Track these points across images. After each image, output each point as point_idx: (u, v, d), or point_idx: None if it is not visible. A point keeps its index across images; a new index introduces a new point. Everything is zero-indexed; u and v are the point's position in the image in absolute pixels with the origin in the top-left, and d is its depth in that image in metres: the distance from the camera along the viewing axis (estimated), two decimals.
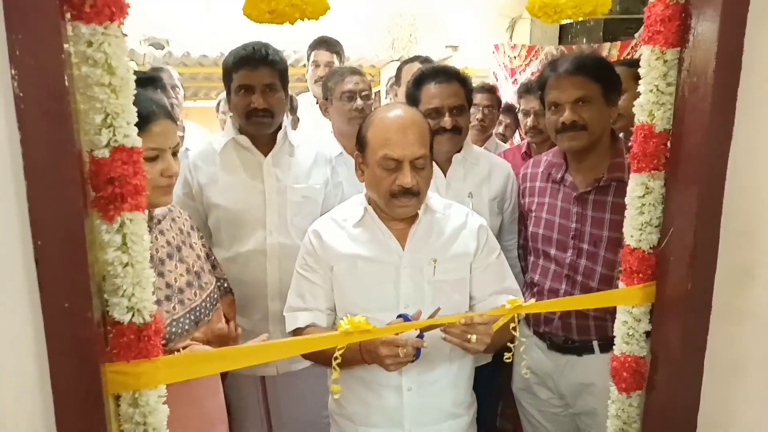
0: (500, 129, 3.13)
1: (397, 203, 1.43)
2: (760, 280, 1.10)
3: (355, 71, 2.37)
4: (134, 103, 1.12)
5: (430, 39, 6.27)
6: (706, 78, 1.12)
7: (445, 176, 1.98)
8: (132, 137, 0.86)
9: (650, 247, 1.26)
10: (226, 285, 1.70)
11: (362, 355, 1.39)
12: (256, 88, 1.81)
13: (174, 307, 1.36)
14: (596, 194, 1.72)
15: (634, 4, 3.17)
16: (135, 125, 0.97)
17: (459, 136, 1.93)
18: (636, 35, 3.14)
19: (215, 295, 1.52)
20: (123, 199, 0.86)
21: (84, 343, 0.87)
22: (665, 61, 1.19)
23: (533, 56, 3.42)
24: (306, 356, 1.58)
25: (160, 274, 1.34)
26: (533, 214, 1.85)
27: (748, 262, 1.12)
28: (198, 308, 1.42)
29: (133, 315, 0.92)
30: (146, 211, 1.29)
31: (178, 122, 1.43)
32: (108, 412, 0.90)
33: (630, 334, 1.30)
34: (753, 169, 1.09)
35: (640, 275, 1.26)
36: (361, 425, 1.54)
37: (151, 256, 1.27)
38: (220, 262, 1.79)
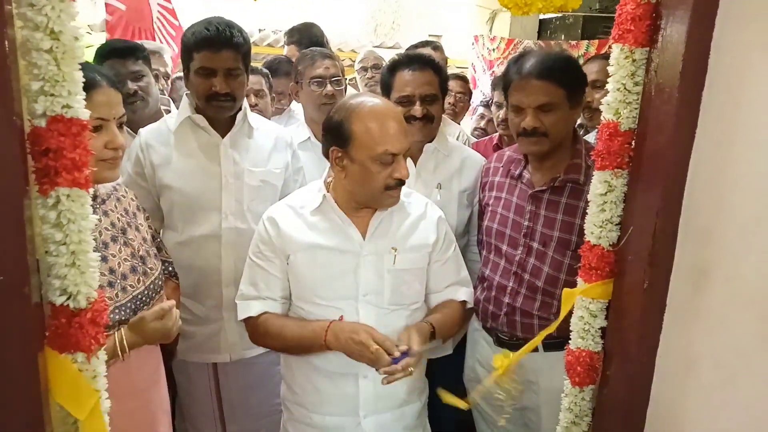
0: (482, 123, 3.10)
1: (391, 194, 1.43)
2: (715, 280, 1.11)
3: (327, 55, 2.28)
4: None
5: (412, 27, 6.24)
6: (673, 79, 1.11)
7: (416, 166, 1.94)
8: (75, 109, 0.82)
9: (610, 245, 1.26)
10: (171, 269, 1.65)
11: (326, 338, 1.39)
12: (218, 71, 1.73)
13: (117, 294, 1.30)
14: (551, 194, 1.70)
15: (614, 3, 3.18)
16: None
17: (430, 125, 1.89)
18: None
19: (159, 282, 1.46)
20: (57, 172, 0.81)
21: (20, 319, 0.82)
22: (634, 61, 1.18)
23: (512, 50, 3.41)
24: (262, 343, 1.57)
25: (104, 259, 1.28)
26: (489, 209, 1.83)
27: (704, 263, 1.12)
28: (140, 295, 1.37)
29: (67, 298, 0.87)
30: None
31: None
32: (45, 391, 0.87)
33: (586, 329, 1.30)
34: (713, 172, 1.09)
35: (599, 272, 1.27)
36: (315, 413, 1.52)
37: (95, 239, 1.23)
38: (171, 246, 1.74)
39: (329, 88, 2.21)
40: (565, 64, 1.65)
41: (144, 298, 1.38)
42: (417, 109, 1.85)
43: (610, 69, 1.23)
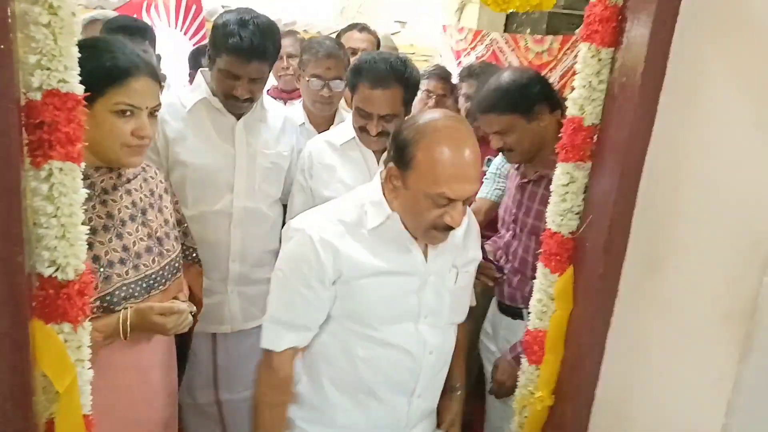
0: None
1: (436, 235, 1.29)
2: (665, 268, 1.20)
3: (332, 54, 2.17)
4: (116, 54, 1.14)
5: (379, 11, 6.23)
6: (635, 78, 1.20)
7: (378, 162, 1.92)
8: (71, 83, 0.83)
9: (569, 233, 1.35)
10: (195, 255, 1.64)
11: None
12: (242, 77, 1.74)
13: (127, 272, 1.30)
14: (532, 185, 1.86)
15: (578, 1, 3.29)
16: (114, 77, 0.95)
17: (385, 138, 1.79)
18: (577, 31, 3.27)
19: (177, 264, 1.44)
20: (51, 146, 0.83)
21: (13, 288, 0.84)
22: (599, 60, 1.26)
23: (479, 41, 3.48)
24: None
25: (118, 236, 1.29)
26: (504, 196, 2.06)
27: (656, 251, 1.22)
28: (153, 275, 1.36)
29: (56, 269, 0.89)
30: (118, 169, 1.30)
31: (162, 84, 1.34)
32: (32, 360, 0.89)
33: (543, 311, 1.39)
34: (667, 167, 1.19)
35: (558, 258, 1.35)
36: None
37: (112, 215, 1.27)
38: None
39: (325, 91, 2.16)
40: (504, 94, 1.75)
41: (158, 278, 1.37)
42: (372, 128, 1.78)
43: (577, 67, 1.31)
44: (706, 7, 1.15)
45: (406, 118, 1.34)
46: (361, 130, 1.78)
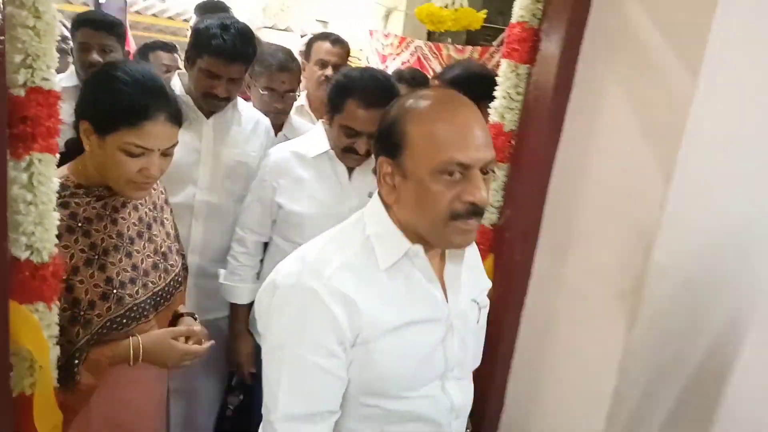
0: None
1: (461, 227, 0.95)
2: (572, 255, 1.41)
3: (285, 67, 2.15)
4: (134, 93, 1.12)
5: (303, 10, 6.30)
6: (547, 92, 1.40)
7: (350, 174, 1.79)
8: (51, 81, 0.90)
9: (491, 225, 1.53)
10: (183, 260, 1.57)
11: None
12: (223, 77, 1.78)
13: (137, 291, 1.25)
14: None
15: (495, 16, 3.54)
16: (129, 118, 1.03)
17: (367, 156, 1.72)
18: (494, 43, 3.53)
19: (179, 278, 1.41)
20: (34, 138, 0.90)
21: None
22: (518, 75, 1.45)
23: (404, 47, 3.66)
24: None
25: (128, 255, 1.24)
26: None
27: (563, 240, 1.43)
28: (160, 291, 1.32)
29: (31, 253, 0.95)
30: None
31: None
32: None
33: None
34: (572, 168, 1.40)
35: (482, 247, 1.53)
36: None
37: (122, 234, 1.23)
38: None
39: (279, 103, 2.17)
40: (476, 77, 1.89)
41: (165, 295, 1.34)
42: (362, 147, 1.66)
43: (498, 80, 1.49)
44: (604, 34, 1.37)
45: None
46: (346, 150, 1.68)
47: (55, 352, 1.03)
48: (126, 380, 1.22)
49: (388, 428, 1.03)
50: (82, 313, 1.15)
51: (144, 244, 1.29)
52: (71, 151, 1.22)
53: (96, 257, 1.18)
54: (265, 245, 1.87)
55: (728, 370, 1.53)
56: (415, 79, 2.62)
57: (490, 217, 1.54)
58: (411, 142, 0.95)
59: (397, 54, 3.70)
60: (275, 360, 0.98)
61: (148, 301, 1.27)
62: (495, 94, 1.51)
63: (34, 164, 0.91)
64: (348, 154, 1.68)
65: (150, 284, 1.28)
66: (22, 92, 0.87)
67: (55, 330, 1.02)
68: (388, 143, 0.98)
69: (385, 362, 0.99)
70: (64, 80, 2.13)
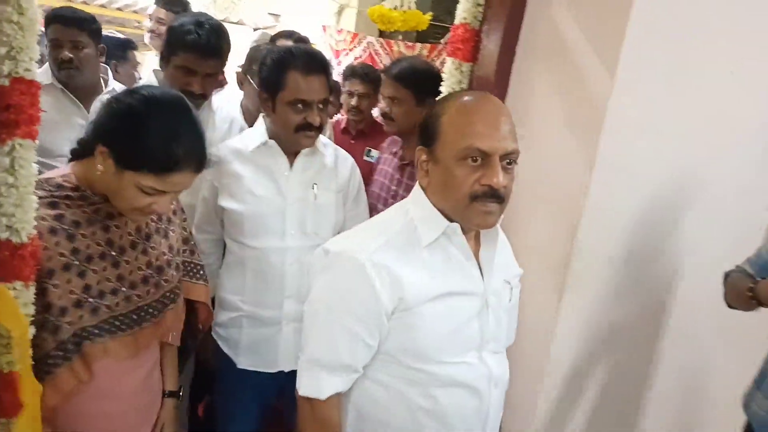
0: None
1: (481, 208, 1.07)
2: (513, 235, 1.55)
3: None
4: (172, 146, 1.11)
5: (254, 3, 6.30)
6: (487, 88, 1.55)
7: (291, 166, 1.73)
8: (33, 72, 0.96)
9: None
10: (201, 272, 1.52)
11: None
12: (199, 73, 1.81)
13: (117, 303, 1.21)
14: (411, 167, 2.11)
15: (443, 15, 3.70)
16: (158, 167, 1.07)
17: (320, 132, 1.71)
18: (442, 41, 3.69)
19: (174, 294, 1.35)
20: (17, 125, 0.96)
21: None
22: (461, 72, 1.59)
23: (357, 43, 3.77)
24: None
25: (115, 264, 1.20)
26: (373, 177, 2.24)
27: (506, 222, 1.57)
28: (146, 307, 1.27)
29: (11, 234, 1.02)
30: None
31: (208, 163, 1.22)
32: None
33: None
34: None
35: None
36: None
37: (112, 243, 1.20)
38: None
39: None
40: (419, 73, 2.00)
41: (152, 310, 1.29)
42: (316, 118, 1.62)
43: (444, 76, 1.63)
44: (536, 36, 1.53)
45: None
46: (300, 128, 1.62)
47: (31, 330, 1.09)
48: (116, 393, 1.23)
49: (433, 392, 1.12)
50: (52, 318, 1.12)
51: (137, 255, 1.25)
52: (84, 150, 1.20)
53: (76, 262, 1.15)
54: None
55: (654, 333, 1.74)
56: (367, 75, 2.74)
57: None
58: (442, 131, 1.09)
59: (350, 49, 3.81)
60: (313, 312, 1.15)
61: (130, 315, 1.24)
62: (441, 89, 1.65)
63: (15, 149, 0.97)
64: (302, 132, 1.62)
65: (135, 298, 1.24)
66: (6, 82, 0.94)
67: (32, 309, 1.07)
68: (426, 134, 1.12)
69: (426, 327, 1.10)
70: (40, 75, 2.12)
